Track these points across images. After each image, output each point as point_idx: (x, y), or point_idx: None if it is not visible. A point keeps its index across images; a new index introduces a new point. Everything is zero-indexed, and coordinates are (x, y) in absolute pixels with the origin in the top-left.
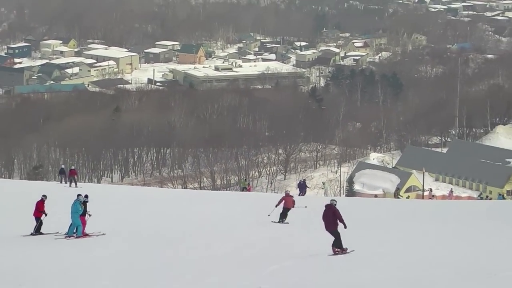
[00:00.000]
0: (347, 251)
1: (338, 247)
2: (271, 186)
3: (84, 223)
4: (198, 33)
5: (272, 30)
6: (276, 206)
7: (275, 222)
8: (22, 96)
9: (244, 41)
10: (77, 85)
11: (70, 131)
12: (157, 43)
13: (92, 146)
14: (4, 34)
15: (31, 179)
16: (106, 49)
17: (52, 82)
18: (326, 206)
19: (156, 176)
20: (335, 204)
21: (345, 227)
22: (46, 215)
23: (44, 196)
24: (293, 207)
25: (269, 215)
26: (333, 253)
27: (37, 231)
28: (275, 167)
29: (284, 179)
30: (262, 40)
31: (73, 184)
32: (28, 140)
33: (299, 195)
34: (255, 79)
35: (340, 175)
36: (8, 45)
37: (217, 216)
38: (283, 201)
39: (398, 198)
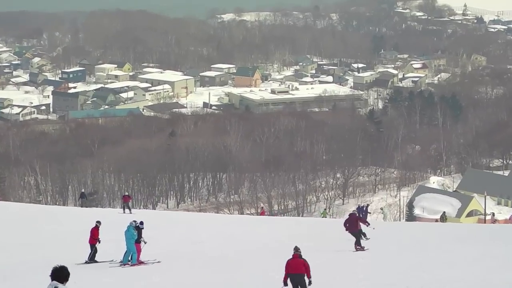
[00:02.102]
0: (365, 249)
1: (358, 245)
2: (329, 211)
3: (139, 250)
4: (254, 56)
5: (329, 51)
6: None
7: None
8: (77, 121)
9: (301, 63)
10: (132, 109)
11: (125, 156)
12: (212, 66)
13: (147, 171)
14: (59, 59)
15: (86, 206)
16: (161, 73)
17: (106, 106)
18: (350, 214)
19: (212, 202)
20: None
21: (368, 224)
22: (100, 242)
23: (99, 222)
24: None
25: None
26: (355, 250)
27: (92, 259)
28: (333, 192)
29: (343, 204)
30: (319, 62)
31: (127, 210)
32: (82, 165)
33: None
34: (312, 101)
35: (399, 200)
36: (63, 70)
37: (274, 242)
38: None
39: (444, 222)
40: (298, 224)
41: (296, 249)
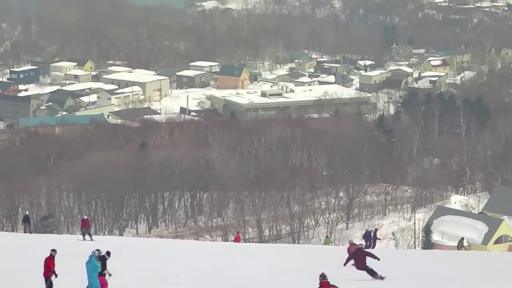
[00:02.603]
0: (383, 276)
1: (373, 275)
2: (330, 237)
3: (104, 284)
4: (241, 52)
5: (331, 46)
6: (344, 264)
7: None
8: (29, 130)
9: (297, 61)
10: (95, 116)
11: (86, 172)
12: (191, 64)
13: (113, 191)
14: (7, 55)
15: (39, 232)
16: (130, 72)
17: (64, 113)
18: (357, 249)
19: (191, 227)
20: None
21: (378, 259)
22: (56, 276)
23: (54, 251)
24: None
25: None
26: (374, 279)
27: None
28: (335, 214)
29: (347, 229)
30: (318, 59)
31: (87, 237)
32: (35, 184)
33: (365, 247)
34: (310, 106)
35: (414, 223)
36: (12, 69)
37: (265, 275)
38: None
39: (461, 249)
40: (294, 253)
41: (324, 276)
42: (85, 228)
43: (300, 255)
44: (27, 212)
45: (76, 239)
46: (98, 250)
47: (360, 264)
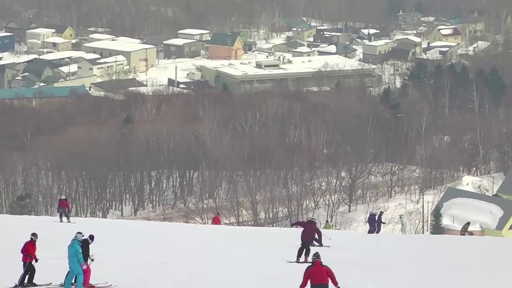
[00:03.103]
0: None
1: (300, 255)
2: (331, 221)
3: (87, 271)
4: (234, 19)
5: (332, 13)
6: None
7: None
8: (3, 103)
9: (295, 29)
10: (76, 88)
11: (66, 149)
12: (180, 32)
13: (96, 169)
14: None
15: (15, 213)
16: (113, 40)
17: (42, 84)
18: (309, 221)
19: (180, 208)
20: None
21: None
22: (37, 260)
23: (34, 235)
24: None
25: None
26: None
27: (28, 281)
28: (336, 196)
29: (349, 211)
30: (318, 27)
31: (64, 218)
32: (11, 161)
33: (369, 232)
34: (310, 78)
35: (422, 206)
36: None
37: (260, 262)
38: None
39: (465, 235)
40: (290, 237)
41: (317, 255)
42: (62, 209)
43: (296, 238)
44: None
45: (53, 220)
46: (80, 233)
47: (306, 236)
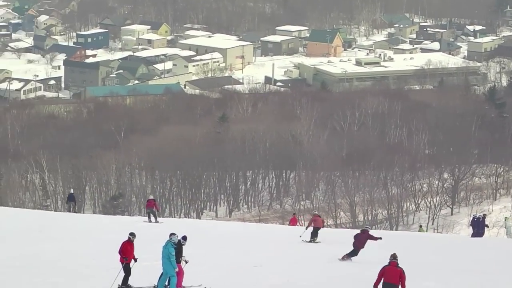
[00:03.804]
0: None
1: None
2: (432, 224)
3: (180, 273)
4: (333, 15)
5: (436, 9)
6: (306, 228)
7: (306, 241)
8: (96, 101)
9: (397, 25)
10: (170, 85)
11: (160, 148)
12: (278, 28)
13: (190, 169)
14: (73, 17)
15: (108, 213)
16: (209, 37)
17: (136, 82)
18: (362, 230)
19: (276, 210)
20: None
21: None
22: (136, 260)
23: (132, 234)
24: (323, 226)
25: (300, 236)
26: (341, 259)
27: (123, 283)
28: (438, 198)
29: (451, 214)
30: (421, 24)
31: (152, 218)
32: (104, 160)
33: (472, 235)
34: (412, 76)
35: None
36: (78, 32)
37: (359, 266)
38: (313, 221)
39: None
40: (392, 240)
41: (394, 256)
42: (150, 209)
43: (398, 243)
44: (71, 190)
45: (142, 220)
46: (174, 234)
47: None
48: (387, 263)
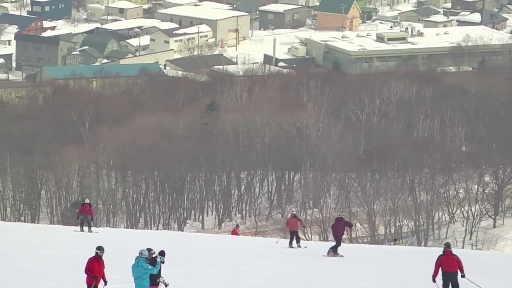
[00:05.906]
0: (339, 255)
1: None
2: (470, 239)
3: None
4: None
5: None
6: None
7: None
8: (55, 84)
9: None
10: (147, 65)
11: (134, 143)
12: None
13: (170, 169)
14: None
15: (68, 223)
16: (195, 5)
17: (105, 61)
18: (337, 219)
19: (277, 220)
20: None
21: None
22: (106, 282)
23: (100, 249)
24: (304, 227)
25: (277, 242)
26: (326, 255)
27: None
28: (477, 206)
29: (494, 227)
30: None
31: (85, 227)
32: (64, 158)
33: None
34: (446, 55)
35: None
36: None
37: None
38: (287, 224)
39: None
40: (419, 258)
41: (448, 245)
42: (84, 215)
43: (427, 261)
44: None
45: (73, 230)
46: (149, 249)
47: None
48: (441, 253)
